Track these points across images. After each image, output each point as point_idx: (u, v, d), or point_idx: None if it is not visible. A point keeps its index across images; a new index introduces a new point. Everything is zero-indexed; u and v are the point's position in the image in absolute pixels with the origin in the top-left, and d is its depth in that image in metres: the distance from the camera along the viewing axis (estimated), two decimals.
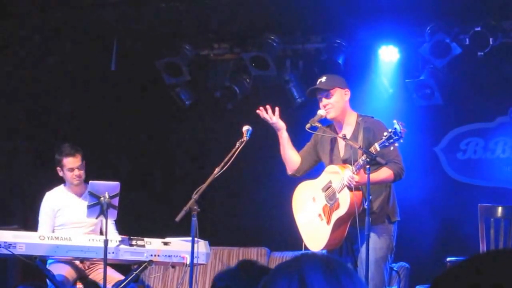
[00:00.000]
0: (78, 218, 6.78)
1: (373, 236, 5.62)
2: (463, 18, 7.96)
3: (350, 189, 5.62)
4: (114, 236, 6.52)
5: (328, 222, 5.78)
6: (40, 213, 6.92)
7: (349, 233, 5.74)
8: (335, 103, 5.80)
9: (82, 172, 6.88)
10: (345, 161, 5.77)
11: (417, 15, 7.89)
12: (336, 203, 5.73)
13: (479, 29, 7.78)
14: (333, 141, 5.92)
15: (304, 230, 6.03)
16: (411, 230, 7.84)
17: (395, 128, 5.34)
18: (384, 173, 5.64)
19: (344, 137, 5.68)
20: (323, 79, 5.89)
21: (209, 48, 8.91)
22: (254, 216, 8.81)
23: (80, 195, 6.90)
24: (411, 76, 8.31)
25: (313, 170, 6.14)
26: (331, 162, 5.87)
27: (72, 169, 6.84)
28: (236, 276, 2.56)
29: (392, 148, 5.45)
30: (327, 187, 5.82)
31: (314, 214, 5.92)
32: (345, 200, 5.66)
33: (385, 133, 5.41)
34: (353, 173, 5.55)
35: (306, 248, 5.96)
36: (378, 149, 5.43)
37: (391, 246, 5.79)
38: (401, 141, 5.38)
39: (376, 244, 5.67)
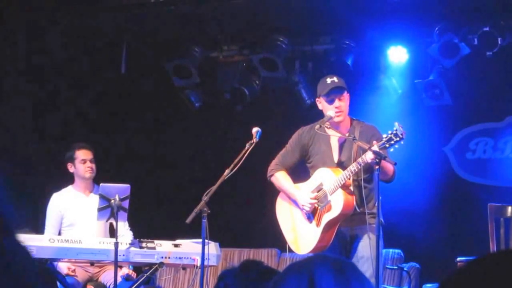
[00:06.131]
0: (86, 217, 6.80)
1: (365, 236, 5.65)
2: (471, 18, 7.96)
3: (346, 191, 5.64)
4: (126, 233, 6.57)
5: (318, 225, 5.77)
6: (47, 214, 6.95)
7: (342, 233, 5.75)
8: (345, 107, 5.82)
9: (94, 166, 6.93)
10: (339, 163, 5.78)
11: (425, 16, 7.89)
12: (327, 205, 5.73)
13: (487, 29, 7.78)
14: (327, 143, 5.89)
15: (289, 233, 6.01)
16: (421, 230, 7.84)
17: (396, 130, 5.36)
18: (391, 166, 5.65)
19: (353, 138, 5.69)
20: (335, 78, 5.87)
21: (218, 50, 8.92)
22: (264, 217, 8.79)
23: (87, 194, 6.94)
24: (420, 76, 8.31)
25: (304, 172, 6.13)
26: (324, 163, 5.84)
27: (84, 161, 6.90)
28: (236, 276, 2.56)
29: (392, 150, 5.49)
30: (318, 189, 5.81)
31: (302, 217, 5.91)
32: (337, 202, 5.67)
33: (385, 135, 5.43)
34: (347, 178, 5.59)
35: (290, 251, 5.97)
36: (377, 149, 5.46)
37: (380, 244, 5.79)
38: (402, 142, 5.41)
39: (368, 243, 5.67)
